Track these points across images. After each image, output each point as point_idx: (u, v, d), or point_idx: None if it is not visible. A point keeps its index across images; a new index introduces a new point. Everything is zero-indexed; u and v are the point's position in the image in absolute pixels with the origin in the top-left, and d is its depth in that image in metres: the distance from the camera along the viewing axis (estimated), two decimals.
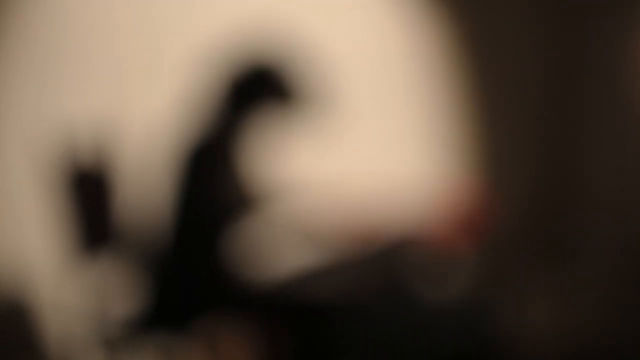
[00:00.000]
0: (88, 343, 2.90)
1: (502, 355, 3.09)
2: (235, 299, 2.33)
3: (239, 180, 2.69)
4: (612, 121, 5.33)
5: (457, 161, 5.18)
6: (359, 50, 4.63)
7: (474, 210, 2.81)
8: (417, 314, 2.72)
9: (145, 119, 2.96)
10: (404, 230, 2.89)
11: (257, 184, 2.80)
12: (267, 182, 2.85)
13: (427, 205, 2.94)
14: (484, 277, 3.85)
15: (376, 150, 4.75)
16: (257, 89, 2.66)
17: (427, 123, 5.03)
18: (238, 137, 2.67)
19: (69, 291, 2.69)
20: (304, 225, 2.73)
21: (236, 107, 2.65)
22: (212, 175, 2.62)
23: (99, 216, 2.81)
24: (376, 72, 4.78)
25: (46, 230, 3.18)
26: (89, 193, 2.79)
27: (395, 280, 2.38)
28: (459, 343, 2.92)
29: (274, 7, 4.12)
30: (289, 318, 2.19)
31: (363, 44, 4.65)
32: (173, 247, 2.66)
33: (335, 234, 2.67)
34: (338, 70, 4.51)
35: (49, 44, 3.55)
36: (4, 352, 3.37)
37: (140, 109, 3.44)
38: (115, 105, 3.67)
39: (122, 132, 3.21)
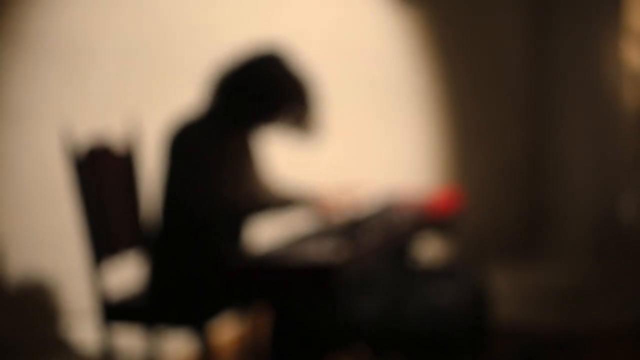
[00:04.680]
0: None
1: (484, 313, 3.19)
2: (234, 269, 2.23)
3: (245, 171, 2.69)
4: (591, 126, 5.44)
5: (439, 162, 5.28)
6: (348, 60, 4.74)
7: (443, 200, 2.92)
8: (409, 273, 2.75)
9: (164, 120, 2.91)
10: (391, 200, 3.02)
11: (262, 175, 2.82)
12: (270, 175, 2.92)
13: (409, 193, 3.09)
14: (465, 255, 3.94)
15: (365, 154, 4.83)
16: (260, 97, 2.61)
17: (415, 132, 5.13)
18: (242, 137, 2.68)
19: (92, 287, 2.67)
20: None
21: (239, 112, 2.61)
22: (217, 168, 2.57)
23: (123, 209, 2.78)
24: (368, 86, 4.86)
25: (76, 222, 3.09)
26: (115, 186, 2.77)
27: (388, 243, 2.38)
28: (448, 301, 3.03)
29: (279, 26, 4.13)
30: (287, 280, 2.10)
31: (351, 51, 4.76)
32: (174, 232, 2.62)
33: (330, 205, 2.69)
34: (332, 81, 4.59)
35: (76, 50, 3.57)
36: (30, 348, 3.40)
37: (162, 110, 3.42)
38: (141, 105, 3.69)
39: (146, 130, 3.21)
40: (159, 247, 2.66)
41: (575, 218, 5.45)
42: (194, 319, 2.50)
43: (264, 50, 2.66)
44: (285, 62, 2.64)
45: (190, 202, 2.54)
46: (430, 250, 4.71)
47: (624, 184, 5.70)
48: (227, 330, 3.62)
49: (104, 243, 2.66)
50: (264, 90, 2.59)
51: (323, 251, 2.12)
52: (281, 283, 2.08)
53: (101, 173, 2.69)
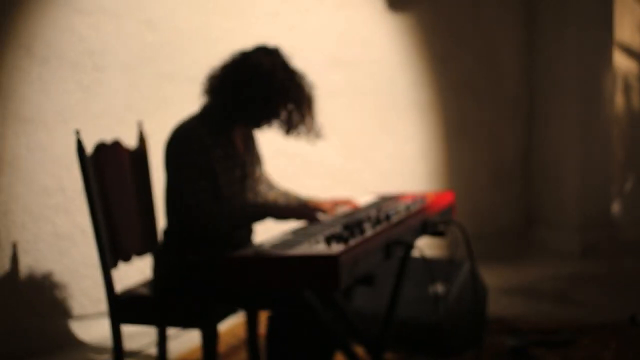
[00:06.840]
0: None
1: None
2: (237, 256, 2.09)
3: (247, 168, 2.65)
4: (582, 131, 5.48)
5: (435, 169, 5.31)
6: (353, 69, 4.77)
7: (435, 197, 2.98)
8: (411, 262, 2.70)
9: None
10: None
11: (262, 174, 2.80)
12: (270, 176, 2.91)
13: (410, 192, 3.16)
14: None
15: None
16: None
17: (414, 139, 5.17)
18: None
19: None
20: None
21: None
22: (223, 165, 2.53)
23: (130, 205, 2.75)
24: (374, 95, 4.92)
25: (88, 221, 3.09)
26: (126, 189, 2.74)
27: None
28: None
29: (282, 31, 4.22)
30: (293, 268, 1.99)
31: (354, 61, 4.80)
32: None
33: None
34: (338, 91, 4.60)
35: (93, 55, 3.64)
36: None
37: (168, 117, 3.43)
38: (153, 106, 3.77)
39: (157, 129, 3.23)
40: (166, 248, 2.65)
41: (567, 219, 5.49)
42: (201, 319, 2.49)
43: (256, 45, 2.63)
44: (278, 54, 2.58)
45: (186, 204, 2.48)
46: (425, 246, 4.76)
47: (614, 187, 5.77)
48: (228, 329, 3.65)
49: (115, 245, 2.65)
50: (256, 78, 2.51)
51: (326, 242, 2.08)
52: (284, 273, 1.98)
53: (111, 177, 2.68)
